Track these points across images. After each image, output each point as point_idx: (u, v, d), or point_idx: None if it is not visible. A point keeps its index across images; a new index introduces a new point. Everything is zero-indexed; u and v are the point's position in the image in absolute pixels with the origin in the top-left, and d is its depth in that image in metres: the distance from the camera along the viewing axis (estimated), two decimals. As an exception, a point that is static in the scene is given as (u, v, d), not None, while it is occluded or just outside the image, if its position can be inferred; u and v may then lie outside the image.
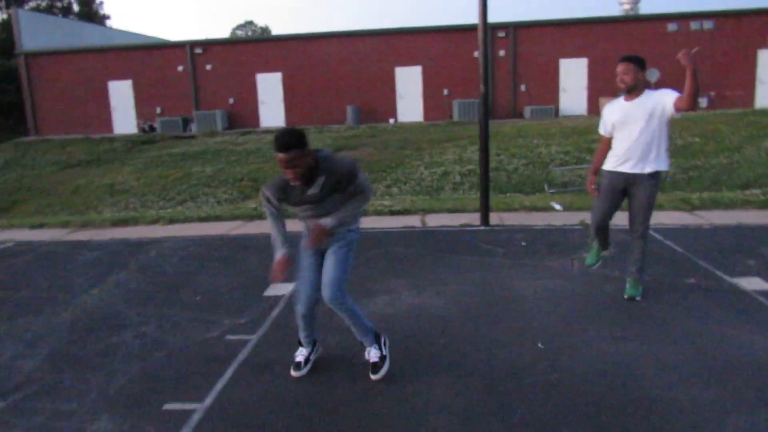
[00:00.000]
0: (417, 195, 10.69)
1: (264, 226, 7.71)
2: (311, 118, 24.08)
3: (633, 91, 4.29)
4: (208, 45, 25.48)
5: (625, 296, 4.53)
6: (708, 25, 23.07)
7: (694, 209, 7.65)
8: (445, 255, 5.90)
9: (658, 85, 22.73)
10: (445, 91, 23.94)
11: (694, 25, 23.10)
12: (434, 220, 7.54)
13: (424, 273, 5.36)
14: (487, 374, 3.40)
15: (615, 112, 4.37)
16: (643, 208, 4.37)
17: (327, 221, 3.15)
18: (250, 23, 61.39)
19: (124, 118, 25.66)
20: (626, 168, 4.33)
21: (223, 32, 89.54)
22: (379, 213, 8.06)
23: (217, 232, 7.48)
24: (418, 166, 13.57)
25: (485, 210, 7.05)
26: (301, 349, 3.56)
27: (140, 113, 25.56)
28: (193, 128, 24.12)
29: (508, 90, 23.86)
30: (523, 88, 23.74)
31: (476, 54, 5.83)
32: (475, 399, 3.16)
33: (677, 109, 4.06)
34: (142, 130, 24.92)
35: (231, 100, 25.14)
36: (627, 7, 29.28)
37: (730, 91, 22.97)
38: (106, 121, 25.78)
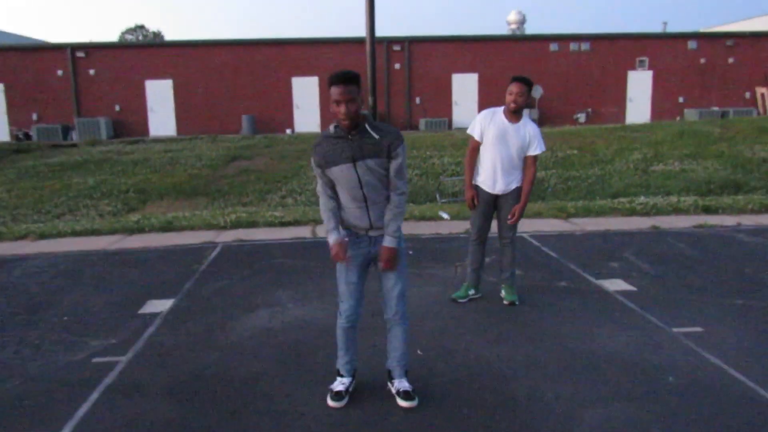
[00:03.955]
0: (312, 206, 10.62)
1: (146, 240, 7.37)
2: (204, 128, 23.34)
3: (519, 112, 4.46)
4: (91, 48, 24.05)
5: (505, 302, 4.72)
6: (585, 46, 24.92)
7: (570, 217, 8.17)
8: (333, 266, 5.87)
9: (540, 101, 24.15)
10: (343, 103, 24.04)
11: (573, 46, 24.87)
12: (325, 231, 7.49)
13: (311, 284, 5.31)
14: (364, 384, 3.41)
15: (493, 126, 4.46)
16: None
17: (388, 241, 3.10)
18: (141, 27, 58.39)
19: (-5, 125, 23.59)
20: (498, 188, 4.52)
21: (111, 36, 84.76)
22: (269, 224, 7.92)
23: (94, 247, 7.01)
24: (314, 177, 13.51)
25: (375, 220, 7.12)
26: (340, 378, 3.32)
27: (13, 120, 23.59)
28: (74, 136, 22.57)
29: (403, 102, 24.41)
30: (417, 101, 24.40)
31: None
32: (349, 409, 3.16)
33: (526, 158, 4.48)
34: (15, 138, 22.98)
35: (117, 108, 23.84)
36: (514, 26, 31.10)
37: (605, 107, 24.92)
38: (-27, 128, 23.59)
